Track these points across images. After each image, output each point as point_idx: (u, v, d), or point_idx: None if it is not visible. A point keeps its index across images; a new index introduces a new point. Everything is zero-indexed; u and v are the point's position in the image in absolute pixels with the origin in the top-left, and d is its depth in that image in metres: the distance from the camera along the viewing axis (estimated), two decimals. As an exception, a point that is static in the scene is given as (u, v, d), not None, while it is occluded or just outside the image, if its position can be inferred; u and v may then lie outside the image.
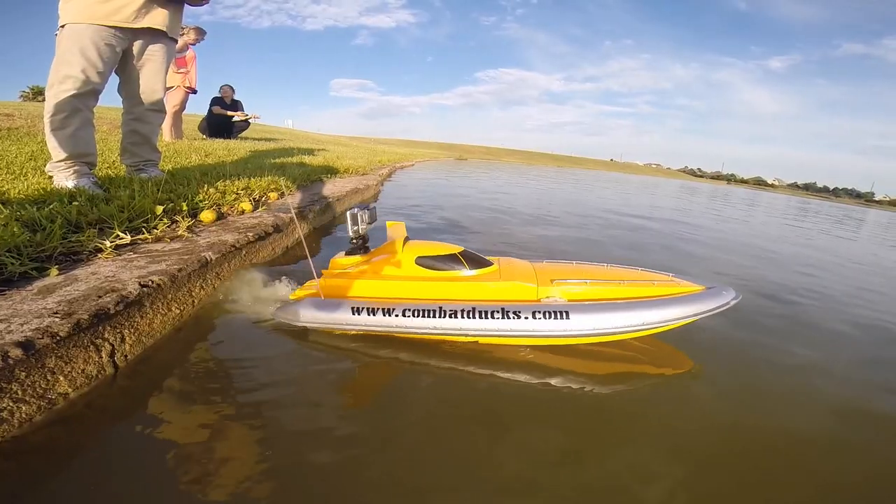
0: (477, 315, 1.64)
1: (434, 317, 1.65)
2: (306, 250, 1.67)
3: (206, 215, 2.19)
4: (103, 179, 2.46)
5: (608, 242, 4.35)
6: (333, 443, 1.13)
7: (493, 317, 1.64)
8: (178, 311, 1.56)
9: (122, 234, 1.69)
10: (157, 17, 2.43)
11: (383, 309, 1.65)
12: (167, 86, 5.66)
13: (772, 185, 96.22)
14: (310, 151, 7.85)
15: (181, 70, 5.87)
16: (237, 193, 2.75)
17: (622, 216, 6.53)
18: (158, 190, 2.26)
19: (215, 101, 7.63)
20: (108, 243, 1.59)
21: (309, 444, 1.11)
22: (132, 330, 1.34)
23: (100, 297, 1.24)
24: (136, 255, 1.60)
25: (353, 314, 1.64)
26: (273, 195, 3.06)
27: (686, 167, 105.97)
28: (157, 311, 1.45)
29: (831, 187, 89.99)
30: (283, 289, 1.92)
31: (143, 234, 1.79)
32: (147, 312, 1.40)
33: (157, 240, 1.81)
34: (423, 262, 1.79)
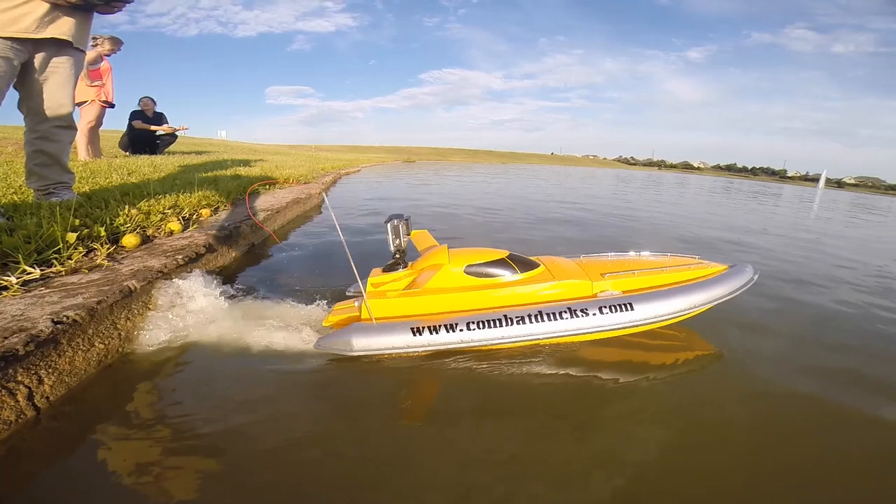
0: (545, 318, 1.57)
1: (501, 326, 1.55)
2: (355, 270, 1.54)
3: (129, 240, 2.06)
4: (7, 207, 2.24)
5: (569, 235, 4.55)
6: (284, 485, 1.08)
7: (561, 317, 1.58)
8: (102, 347, 1.46)
9: (29, 269, 1.56)
10: (62, 27, 2.25)
11: (446, 325, 1.53)
12: (81, 100, 5.25)
13: (698, 169, 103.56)
14: (246, 162, 7.53)
15: (95, 83, 5.43)
16: (164, 213, 2.60)
17: (571, 205, 6.85)
18: (71, 215, 2.09)
19: (135, 115, 7.12)
20: (13, 279, 1.46)
21: (255, 488, 1.09)
22: (50, 370, 1.25)
23: (5, 338, 1.14)
24: (48, 290, 1.48)
25: (414, 335, 1.51)
26: (205, 212, 2.92)
27: (620, 156, 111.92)
28: (78, 348, 1.36)
29: (749, 167, 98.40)
30: (219, 303, 1.83)
31: (56, 265, 1.66)
32: (65, 350, 1.31)
33: (73, 271, 1.68)
34: (473, 270, 1.71)
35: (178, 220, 2.55)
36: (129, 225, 2.24)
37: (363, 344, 1.50)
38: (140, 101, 7.17)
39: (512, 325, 1.56)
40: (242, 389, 1.43)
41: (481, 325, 1.55)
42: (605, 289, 1.75)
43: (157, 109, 7.37)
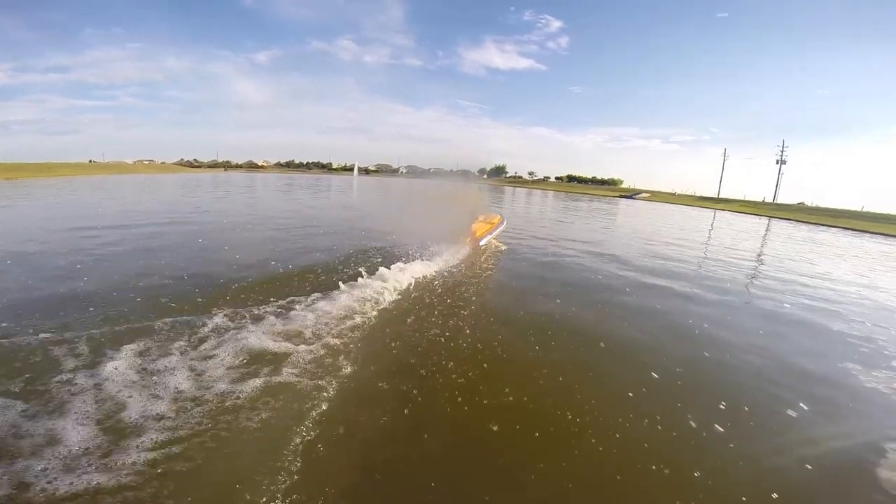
0: (500, 225, 11.85)
1: (497, 228, 11.35)
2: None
3: None
4: None
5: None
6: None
7: (500, 225, 11.86)
8: None
9: None
10: None
11: (499, 227, 11.65)
12: None
13: (262, 167, 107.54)
14: None
15: None
16: None
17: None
18: None
19: None
20: None
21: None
22: None
23: None
24: None
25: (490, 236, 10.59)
26: None
27: (182, 159, 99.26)
28: None
29: (305, 162, 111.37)
30: None
31: None
32: None
33: None
34: (490, 220, 11.42)
35: None
36: None
37: (487, 239, 10.15)
38: None
39: (499, 227, 11.55)
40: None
41: (497, 228, 11.24)
42: (498, 217, 11.93)
43: None
